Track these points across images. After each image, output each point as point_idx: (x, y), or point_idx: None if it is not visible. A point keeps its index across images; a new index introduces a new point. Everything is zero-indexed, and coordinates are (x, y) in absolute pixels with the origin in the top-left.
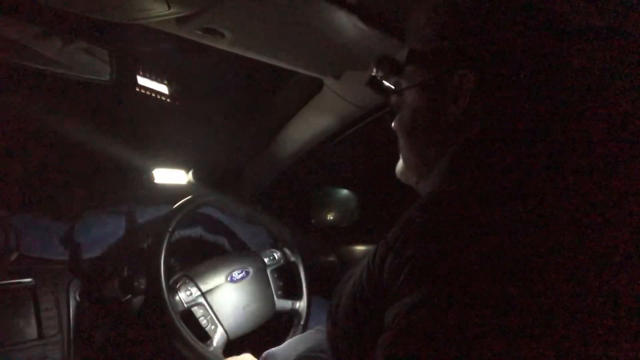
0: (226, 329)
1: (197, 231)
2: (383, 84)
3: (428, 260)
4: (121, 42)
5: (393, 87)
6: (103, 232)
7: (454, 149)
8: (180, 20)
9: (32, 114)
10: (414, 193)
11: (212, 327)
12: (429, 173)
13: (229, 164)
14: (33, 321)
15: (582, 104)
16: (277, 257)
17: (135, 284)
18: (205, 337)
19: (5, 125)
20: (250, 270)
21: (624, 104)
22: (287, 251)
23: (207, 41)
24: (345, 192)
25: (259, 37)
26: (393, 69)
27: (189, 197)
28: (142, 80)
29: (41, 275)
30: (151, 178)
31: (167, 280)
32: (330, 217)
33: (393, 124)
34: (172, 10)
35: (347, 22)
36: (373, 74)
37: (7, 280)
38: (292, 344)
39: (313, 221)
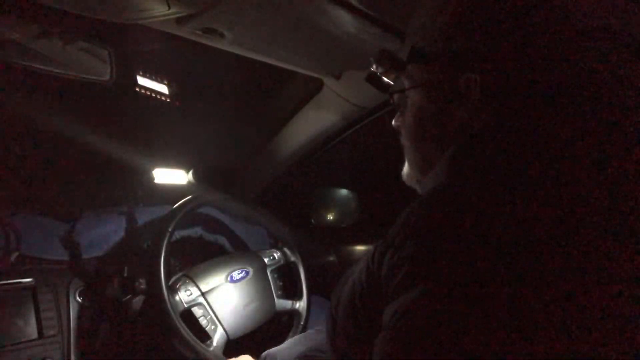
0: (226, 329)
1: (197, 231)
2: (382, 80)
3: (426, 258)
4: (121, 42)
5: (392, 83)
6: (103, 232)
7: (454, 147)
8: (180, 20)
9: (32, 114)
10: (414, 192)
11: (212, 327)
12: (430, 171)
13: (229, 164)
14: (33, 321)
15: (588, 105)
16: (277, 257)
17: (135, 284)
18: (205, 337)
19: (5, 125)
20: (250, 270)
21: (632, 105)
22: (287, 251)
23: (207, 41)
24: (345, 192)
25: (259, 37)
26: (394, 65)
27: (189, 197)
28: (142, 80)
29: (41, 275)
30: (151, 178)
31: (167, 280)
32: (330, 217)
33: (394, 122)
34: (172, 10)
35: (347, 22)
36: (372, 69)
37: (7, 280)
38: (291, 344)
39: (313, 221)
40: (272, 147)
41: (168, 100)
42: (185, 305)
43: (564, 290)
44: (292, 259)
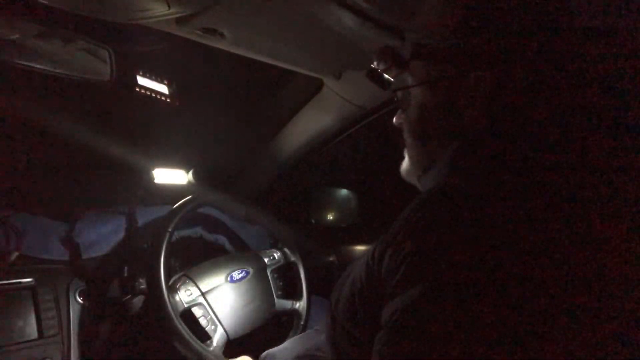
0: (226, 329)
1: (197, 231)
2: (383, 77)
3: (426, 257)
4: (121, 42)
5: (392, 80)
6: (103, 232)
7: (457, 144)
8: (180, 20)
9: (32, 114)
10: (414, 192)
11: (212, 327)
12: (432, 168)
13: (229, 164)
14: (33, 321)
15: (596, 103)
16: (277, 257)
17: (135, 284)
18: (205, 337)
19: (5, 125)
20: (250, 270)
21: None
22: (287, 251)
23: (207, 41)
24: (345, 192)
25: (259, 37)
26: (396, 62)
27: (189, 197)
28: (142, 80)
29: (41, 275)
30: (151, 178)
31: (167, 280)
32: (330, 216)
33: (395, 119)
34: (172, 10)
35: (347, 22)
36: (373, 65)
37: (7, 280)
38: (291, 344)
39: (313, 221)
40: (272, 147)
41: (168, 100)
42: (185, 305)
43: (565, 292)
44: (292, 259)
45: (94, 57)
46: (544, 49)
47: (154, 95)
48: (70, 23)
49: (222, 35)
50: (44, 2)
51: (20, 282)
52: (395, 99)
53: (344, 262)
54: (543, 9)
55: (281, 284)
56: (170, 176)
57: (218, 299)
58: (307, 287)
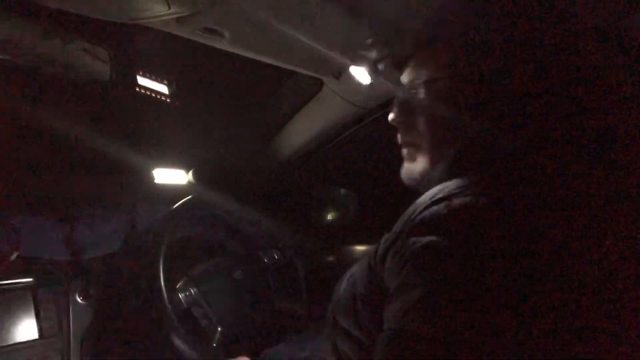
0: (226, 329)
1: (197, 231)
2: (382, 77)
3: (429, 258)
4: (121, 42)
5: (391, 79)
6: (103, 232)
7: (458, 145)
8: (180, 20)
9: (31, 114)
10: (414, 192)
11: (212, 327)
12: (433, 169)
13: (229, 164)
14: (33, 321)
15: (599, 104)
16: (277, 257)
17: (135, 284)
18: (205, 337)
19: (4, 125)
20: (250, 270)
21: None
22: (287, 251)
23: (207, 41)
24: (345, 191)
25: (259, 37)
26: (395, 61)
27: (189, 197)
28: (142, 80)
29: (41, 275)
30: (151, 178)
31: (167, 280)
32: (329, 216)
33: (390, 117)
34: (172, 10)
35: (347, 22)
36: (373, 65)
37: (7, 280)
38: (291, 344)
39: (313, 221)
40: (272, 147)
41: (168, 100)
42: (185, 305)
43: (566, 295)
44: (292, 259)
45: (94, 57)
46: (547, 48)
47: (154, 95)
48: (70, 23)
49: (222, 35)
50: (44, 2)
51: (20, 282)
52: (395, 98)
53: (344, 262)
54: (543, 8)
55: (281, 284)
56: (170, 176)
57: (218, 299)
58: (307, 287)
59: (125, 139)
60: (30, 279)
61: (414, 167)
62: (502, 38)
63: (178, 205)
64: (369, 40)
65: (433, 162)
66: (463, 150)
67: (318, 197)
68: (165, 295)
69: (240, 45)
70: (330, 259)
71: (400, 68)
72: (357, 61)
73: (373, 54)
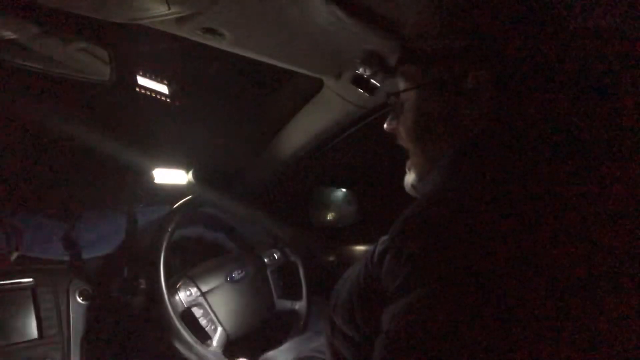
0: (226, 329)
1: (197, 231)
2: (370, 82)
3: (427, 259)
4: (121, 42)
5: (379, 85)
6: (103, 232)
7: (457, 146)
8: (180, 20)
9: (32, 114)
10: None
11: (212, 327)
12: (430, 172)
13: (229, 164)
14: (33, 321)
15: (592, 104)
16: (277, 257)
17: (135, 284)
18: (205, 337)
19: (5, 125)
20: (250, 270)
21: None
22: (287, 251)
23: (207, 41)
24: (345, 192)
25: (259, 37)
26: (383, 66)
27: (189, 197)
28: (142, 80)
29: (41, 275)
30: (151, 178)
31: (167, 280)
32: (330, 217)
33: (386, 126)
34: (172, 10)
35: (347, 22)
36: (358, 72)
37: (7, 280)
38: (290, 346)
39: (313, 221)
40: (272, 147)
41: (168, 100)
42: (185, 305)
43: (569, 295)
44: (292, 259)
45: (94, 57)
46: (540, 48)
47: (154, 95)
48: (70, 23)
49: (222, 35)
50: (44, 2)
51: (20, 282)
52: (388, 104)
53: (344, 262)
54: (536, 8)
55: (281, 284)
56: (170, 176)
57: (218, 299)
58: (307, 287)
59: (125, 139)
60: (30, 279)
61: (407, 177)
62: (493, 46)
63: (178, 205)
64: (367, 45)
65: (429, 167)
66: (459, 154)
67: (318, 197)
68: (165, 295)
69: (240, 46)
70: (330, 259)
71: (391, 76)
72: (357, 62)
73: (357, 59)
